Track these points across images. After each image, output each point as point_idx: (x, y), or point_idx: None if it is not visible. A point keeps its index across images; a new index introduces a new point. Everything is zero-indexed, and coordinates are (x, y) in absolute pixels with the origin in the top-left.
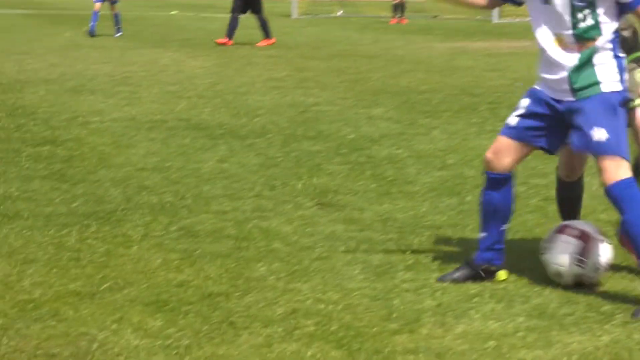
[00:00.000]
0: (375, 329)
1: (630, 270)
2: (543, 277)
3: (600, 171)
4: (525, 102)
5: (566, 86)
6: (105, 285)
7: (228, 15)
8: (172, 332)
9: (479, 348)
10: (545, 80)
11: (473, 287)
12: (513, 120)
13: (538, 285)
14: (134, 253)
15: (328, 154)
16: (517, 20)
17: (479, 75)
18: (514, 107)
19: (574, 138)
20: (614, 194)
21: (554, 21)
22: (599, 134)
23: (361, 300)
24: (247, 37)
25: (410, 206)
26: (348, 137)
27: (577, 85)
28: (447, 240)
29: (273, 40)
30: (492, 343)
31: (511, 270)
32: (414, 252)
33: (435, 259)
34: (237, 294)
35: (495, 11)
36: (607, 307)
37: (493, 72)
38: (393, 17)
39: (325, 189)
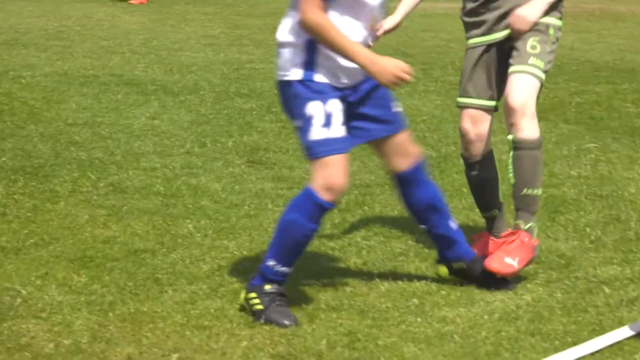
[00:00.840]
0: (300, 287)
1: (553, 229)
2: (468, 237)
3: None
4: (332, 107)
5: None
6: (31, 241)
7: None
8: (97, 288)
9: (402, 306)
10: (343, 69)
11: (398, 246)
12: (339, 132)
13: None
14: (60, 209)
15: (260, 112)
16: None
17: (413, 35)
18: (445, 68)
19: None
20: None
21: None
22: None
23: None
24: None
25: None
26: None
27: None
28: (374, 199)
29: None
30: (415, 301)
31: None
32: (341, 210)
33: (361, 217)
34: (163, 250)
35: None
36: (530, 266)
37: (427, 33)
38: None
39: (256, 147)
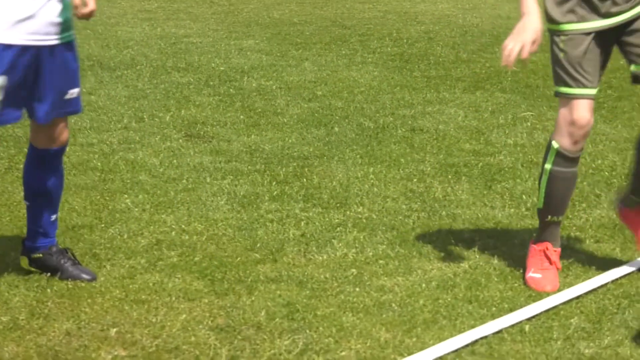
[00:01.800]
0: (238, 259)
1: (490, 198)
2: (406, 206)
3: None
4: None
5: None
6: None
7: None
8: None
9: (341, 276)
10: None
11: (337, 217)
12: None
13: (401, 215)
14: None
15: (197, 85)
16: None
17: (351, 7)
18: (383, 40)
19: None
20: None
21: None
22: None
23: (226, 231)
24: None
25: (278, 137)
26: (218, 69)
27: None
28: (312, 171)
29: None
30: (353, 271)
31: (375, 200)
32: (279, 182)
33: (300, 189)
34: (101, 226)
35: None
36: (467, 234)
37: (365, 4)
38: None
39: (194, 121)
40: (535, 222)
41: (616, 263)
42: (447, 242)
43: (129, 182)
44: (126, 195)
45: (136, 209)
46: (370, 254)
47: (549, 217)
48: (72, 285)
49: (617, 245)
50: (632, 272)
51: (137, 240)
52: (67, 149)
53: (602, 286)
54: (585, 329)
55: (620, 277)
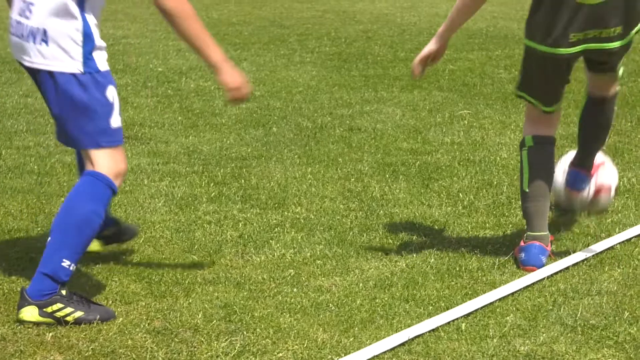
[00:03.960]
0: (176, 261)
1: (427, 196)
2: (344, 205)
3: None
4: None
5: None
6: None
7: None
8: None
9: (278, 277)
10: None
11: (274, 218)
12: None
13: (339, 214)
14: None
15: (135, 87)
16: None
17: (289, 6)
18: (321, 39)
19: None
20: None
21: None
22: None
23: (163, 233)
24: None
25: (216, 138)
26: (157, 70)
27: None
28: (250, 172)
29: None
30: (291, 271)
31: (313, 200)
32: (217, 184)
33: (238, 190)
34: (37, 230)
35: None
36: (404, 233)
37: (303, 4)
38: None
39: (132, 122)
40: (473, 219)
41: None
42: (384, 241)
43: (65, 185)
44: (63, 199)
45: None
46: (308, 254)
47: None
48: (8, 289)
49: (552, 243)
50: (567, 268)
51: None
52: (3, 152)
53: (537, 282)
54: (521, 326)
55: (556, 273)
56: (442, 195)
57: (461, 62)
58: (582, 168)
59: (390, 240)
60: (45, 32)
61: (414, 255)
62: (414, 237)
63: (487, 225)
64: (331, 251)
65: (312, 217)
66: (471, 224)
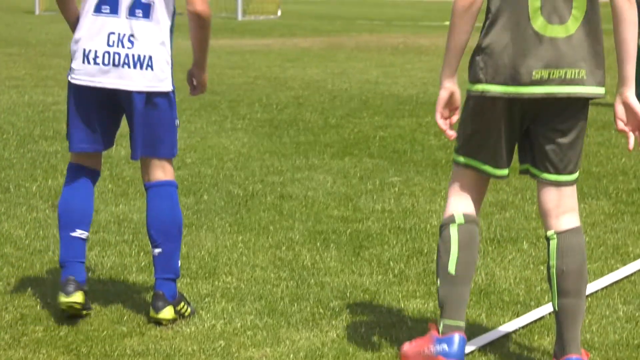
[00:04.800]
0: (105, 333)
1: (358, 265)
2: (275, 274)
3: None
4: None
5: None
6: None
7: None
8: None
9: (208, 348)
10: None
11: (205, 288)
12: None
13: (269, 284)
14: None
15: (65, 154)
16: (262, 17)
17: (221, 72)
18: (253, 106)
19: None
20: None
21: None
22: None
23: (92, 304)
24: None
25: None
26: None
27: None
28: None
29: None
30: (221, 342)
31: (244, 269)
32: (147, 253)
33: None
34: None
35: (240, 8)
36: (335, 302)
37: (235, 70)
38: None
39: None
40: (404, 287)
41: (482, 329)
42: (315, 310)
43: None
44: None
45: (0, 283)
46: (239, 324)
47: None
48: None
49: (482, 311)
50: (499, 337)
51: (1, 315)
52: None
53: (468, 354)
54: None
55: (487, 344)
56: (372, 263)
57: (391, 129)
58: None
59: (321, 310)
60: (151, 58)
61: (345, 324)
62: (345, 307)
63: (418, 294)
64: (262, 321)
65: (243, 286)
66: (402, 293)
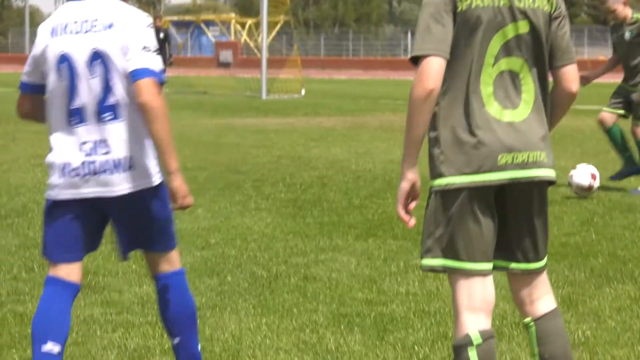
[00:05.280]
0: None
1: (382, 349)
2: (298, 358)
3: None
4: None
5: None
6: None
7: None
8: None
9: None
10: None
11: None
12: None
13: None
14: None
15: None
16: (286, 96)
17: (245, 152)
18: (277, 185)
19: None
20: None
21: None
22: None
23: None
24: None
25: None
26: None
27: None
28: (204, 322)
29: None
30: None
31: (268, 352)
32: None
33: None
34: None
35: (264, 87)
36: None
37: (259, 149)
38: None
39: (85, 271)
40: None
41: None
42: None
43: (17, 336)
44: (14, 350)
45: None
46: None
47: None
48: None
49: None
50: None
51: None
52: None
53: None
54: None
55: None
56: (397, 347)
57: (415, 209)
58: None
59: None
60: (131, 158)
61: None
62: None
63: None
64: None
65: None
66: None
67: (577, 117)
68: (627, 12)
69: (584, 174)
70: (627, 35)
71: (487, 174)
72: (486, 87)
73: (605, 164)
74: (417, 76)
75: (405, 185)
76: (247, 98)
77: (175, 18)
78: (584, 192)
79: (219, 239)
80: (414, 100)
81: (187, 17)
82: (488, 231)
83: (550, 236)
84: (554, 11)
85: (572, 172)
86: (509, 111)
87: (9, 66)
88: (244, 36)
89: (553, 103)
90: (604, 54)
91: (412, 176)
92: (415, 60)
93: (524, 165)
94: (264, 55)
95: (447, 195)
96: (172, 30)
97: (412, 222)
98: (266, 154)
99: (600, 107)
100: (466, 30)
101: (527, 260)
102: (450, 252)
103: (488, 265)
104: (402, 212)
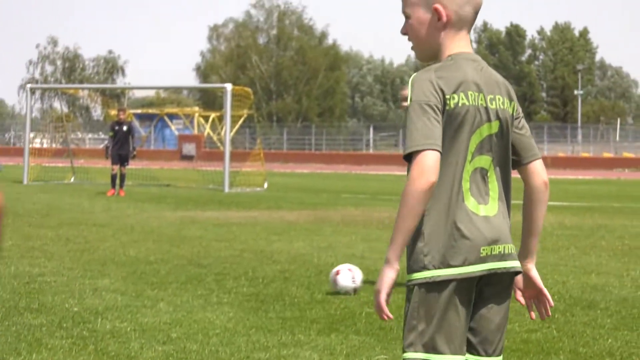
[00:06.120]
0: None
1: None
2: None
3: None
4: None
5: None
6: None
7: None
8: None
9: None
10: None
11: None
12: None
13: None
14: None
15: (50, 327)
16: (248, 190)
17: (207, 245)
18: (239, 279)
19: None
20: None
21: None
22: None
23: None
24: None
25: None
26: (72, 310)
27: None
28: None
29: None
30: None
31: None
32: None
33: None
34: None
35: (227, 181)
36: None
37: (221, 242)
38: (112, 187)
39: None
40: None
41: None
42: None
43: None
44: None
45: None
46: None
47: None
48: None
49: None
50: None
51: None
52: None
53: None
54: None
55: None
56: None
57: (393, 305)
58: None
59: None
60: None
61: None
62: None
63: None
64: None
65: None
66: None
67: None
68: None
69: (347, 276)
70: None
71: (471, 266)
72: (465, 183)
73: (566, 260)
74: (416, 170)
75: (392, 276)
76: (210, 191)
77: (139, 111)
78: (352, 292)
79: (180, 333)
80: (415, 192)
81: (151, 110)
82: (466, 323)
83: (511, 332)
84: (515, 112)
85: (337, 276)
86: (482, 206)
87: None
88: (207, 129)
89: (531, 200)
90: (563, 150)
91: (398, 267)
92: (409, 156)
93: (501, 257)
94: (227, 148)
95: (431, 288)
96: (136, 123)
97: (390, 315)
98: (228, 248)
99: (562, 204)
100: (453, 127)
101: (487, 354)
102: (432, 347)
103: (464, 357)
104: (384, 303)
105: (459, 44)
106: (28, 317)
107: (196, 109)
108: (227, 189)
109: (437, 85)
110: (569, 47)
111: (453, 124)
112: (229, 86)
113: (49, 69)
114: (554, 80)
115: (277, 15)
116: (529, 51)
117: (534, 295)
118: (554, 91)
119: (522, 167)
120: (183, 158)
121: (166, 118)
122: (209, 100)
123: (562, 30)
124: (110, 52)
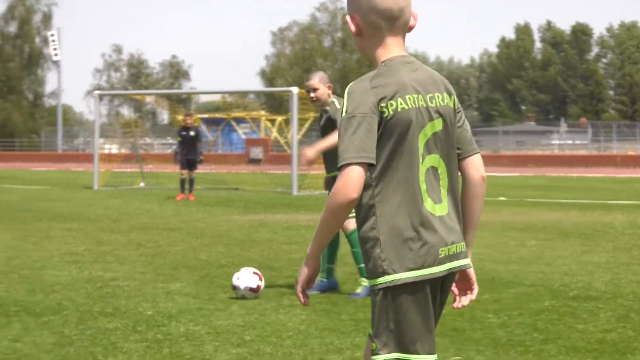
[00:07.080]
0: None
1: None
2: None
3: None
4: None
5: None
6: None
7: (27, 187)
8: None
9: None
10: None
11: None
12: None
13: None
14: None
15: (125, 331)
16: (317, 192)
17: (277, 248)
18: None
19: None
20: None
21: None
22: None
23: None
24: (47, 208)
25: None
26: (146, 314)
27: None
28: None
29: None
30: None
31: None
32: None
33: None
34: None
35: (295, 184)
36: None
37: (291, 245)
38: (181, 192)
39: None
40: None
41: None
42: None
43: None
44: None
45: None
46: None
47: None
48: None
49: None
50: None
51: None
52: None
53: None
54: None
55: None
56: None
57: (449, 305)
58: None
59: None
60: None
61: None
62: None
63: None
64: None
65: None
66: None
67: (608, 212)
68: None
69: (250, 276)
70: None
71: (431, 268)
72: (422, 184)
73: (639, 259)
74: (340, 183)
75: (310, 273)
76: (278, 194)
77: (205, 115)
78: (253, 293)
79: (254, 335)
80: (335, 206)
81: (218, 115)
82: (434, 322)
83: (586, 333)
84: (455, 106)
85: (238, 279)
86: (438, 206)
87: (42, 164)
88: (274, 133)
89: (468, 194)
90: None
91: (315, 264)
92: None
93: (457, 257)
94: (295, 151)
95: (395, 291)
96: (203, 128)
97: (307, 302)
98: (298, 250)
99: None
100: (398, 132)
101: (429, 352)
102: (404, 348)
103: (435, 357)
104: (301, 295)
105: (390, 49)
106: (102, 321)
107: (262, 112)
108: (295, 192)
109: (373, 94)
110: (636, 44)
111: (397, 129)
112: (295, 89)
113: (114, 76)
114: (622, 79)
115: (341, 17)
116: (595, 49)
117: (468, 287)
118: (621, 89)
119: (461, 160)
120: (250, 162)
121: (233, 122)
122: (275, 103)
123: (628, 28)
124: (174, 56)
